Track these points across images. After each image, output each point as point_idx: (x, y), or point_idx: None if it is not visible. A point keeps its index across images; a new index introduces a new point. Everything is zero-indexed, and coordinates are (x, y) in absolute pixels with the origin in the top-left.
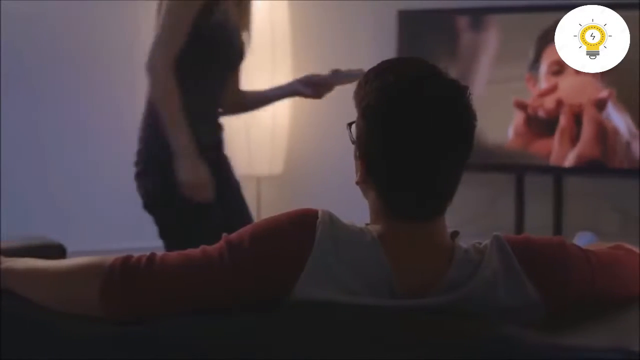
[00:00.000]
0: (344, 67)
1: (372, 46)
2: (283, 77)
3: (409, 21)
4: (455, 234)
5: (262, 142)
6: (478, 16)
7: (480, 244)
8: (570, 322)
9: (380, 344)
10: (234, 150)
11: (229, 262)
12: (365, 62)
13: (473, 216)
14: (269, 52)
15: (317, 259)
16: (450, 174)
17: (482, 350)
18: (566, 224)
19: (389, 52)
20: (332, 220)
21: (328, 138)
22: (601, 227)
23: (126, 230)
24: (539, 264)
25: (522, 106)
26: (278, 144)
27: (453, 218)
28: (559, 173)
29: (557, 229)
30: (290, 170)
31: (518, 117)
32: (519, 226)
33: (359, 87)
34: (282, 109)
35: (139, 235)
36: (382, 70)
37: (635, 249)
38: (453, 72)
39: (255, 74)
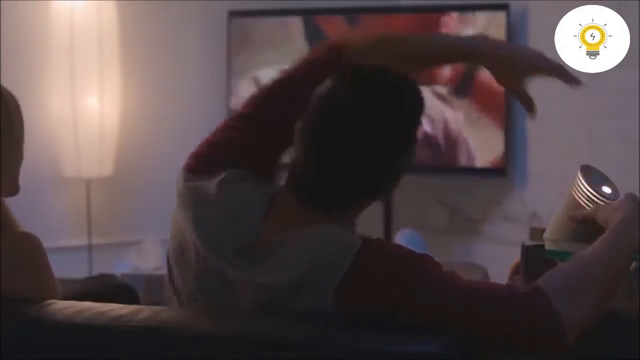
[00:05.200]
0: (173, 67)
1: (202, 46)
2: (111, 76)
3: (239, 22)
4: None
5: (90, 144)
6: (309, 16)
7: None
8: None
9: None
10: (62, 152)
11: None
12: (195, 62)
13: None
14: (97, 52)
15: None
16: None
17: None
18: (396, 218)
19: (219, 52)
20: None
21: (157, 139)
22: (429, 222)
23: None
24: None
25: None
26: (107, 145)
27: None
28: None
29: (387, 224)
30: (120, 172)
31: None
32: None
33: None
34: (110, 110)
35: None
36: None
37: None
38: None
39: (82, 74)
